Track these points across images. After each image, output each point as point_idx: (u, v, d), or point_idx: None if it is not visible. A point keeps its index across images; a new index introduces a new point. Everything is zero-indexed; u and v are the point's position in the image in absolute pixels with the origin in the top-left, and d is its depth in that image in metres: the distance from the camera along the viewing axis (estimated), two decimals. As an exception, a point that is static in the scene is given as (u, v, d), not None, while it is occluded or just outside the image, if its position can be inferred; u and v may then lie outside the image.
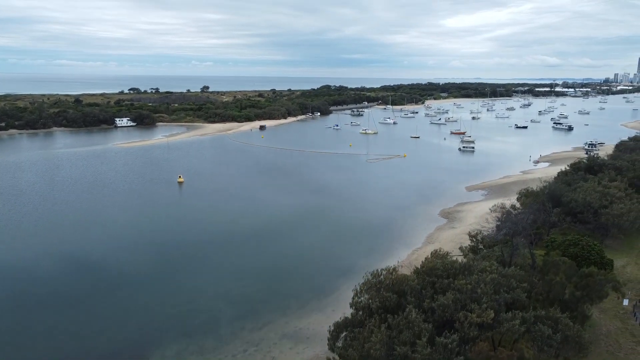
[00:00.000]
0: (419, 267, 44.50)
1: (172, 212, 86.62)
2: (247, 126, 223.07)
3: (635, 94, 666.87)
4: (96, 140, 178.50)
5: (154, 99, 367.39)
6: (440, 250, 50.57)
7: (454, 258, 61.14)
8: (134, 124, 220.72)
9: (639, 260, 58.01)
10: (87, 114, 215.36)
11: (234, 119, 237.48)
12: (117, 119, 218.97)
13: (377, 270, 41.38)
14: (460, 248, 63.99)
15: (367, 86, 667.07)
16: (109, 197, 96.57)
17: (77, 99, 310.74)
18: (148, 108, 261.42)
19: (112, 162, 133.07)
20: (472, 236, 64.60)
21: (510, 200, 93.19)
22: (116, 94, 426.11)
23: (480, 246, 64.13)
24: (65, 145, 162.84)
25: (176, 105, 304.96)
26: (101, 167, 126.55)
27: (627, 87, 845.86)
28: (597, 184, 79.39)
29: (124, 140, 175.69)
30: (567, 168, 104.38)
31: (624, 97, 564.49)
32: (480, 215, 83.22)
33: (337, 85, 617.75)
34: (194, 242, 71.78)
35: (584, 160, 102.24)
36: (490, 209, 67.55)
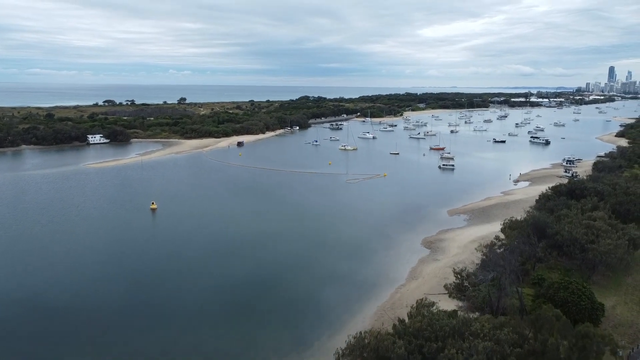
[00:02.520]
0: (405, 323, 41.72)
1: (143, 245, 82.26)
2: (224, 142, 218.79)
3: (607, 104, 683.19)
4: (67, 159, 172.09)
5: (129, 112, 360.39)
6: (425, 300, 47.86)
7: (439, 301, 58.65)
8: (107, 140, 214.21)
9: (627, 299, 56.37)
10: (58, 131, 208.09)
11: (211, 134, 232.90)
12: (89, 136, 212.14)
13: (361, 332, 38.47)
14: (445, 286, 61.68)
15: (346, 96, 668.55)
16: (76, 227, 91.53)
17: (49, 113, 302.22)
18: (122, 123, 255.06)
19: (82, 186, 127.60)
20: (456, 272, 62.26)
21: (493, 226, 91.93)
22: (90, 106, 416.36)
23: (466, 283, 61.84)
24: (34, 166, 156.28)
25: (152, 119, 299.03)
26: (69, 191, 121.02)
27: (599, 97, 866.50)
28: (581, 212, 78.34)
29: (96, 159, 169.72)
30: (548, 190, 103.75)
31: (596, 108, 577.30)
32: (463, 244, 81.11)
33: (316, 96, 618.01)
34: (164, 279, 67.81)
35: (565, 184, 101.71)
36: (476, 249, 65.35)
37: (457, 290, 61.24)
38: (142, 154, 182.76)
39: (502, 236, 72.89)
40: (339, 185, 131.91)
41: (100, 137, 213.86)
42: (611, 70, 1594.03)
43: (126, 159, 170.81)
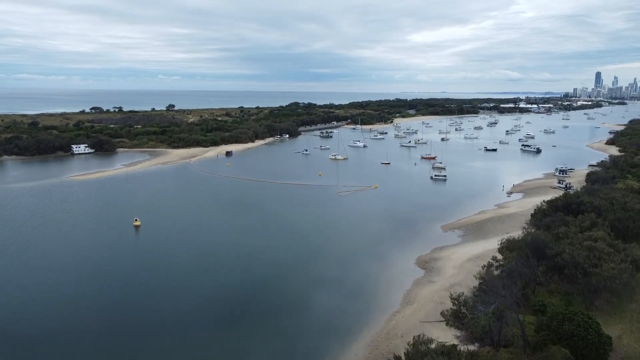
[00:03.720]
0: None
1: (124, 265, 78.28)
2: (212, 152, 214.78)
3: (595, 110, 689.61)
4: (50, 171, 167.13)
5: (116, 120, 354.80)
6: (422, 337, 44.77)
7: (436, 329, 55.59)
8: (92, 150, 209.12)
9: (633, 327, 53.66)
10: (41, 141, 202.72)
11: (199, 143, 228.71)
12: (74, 146, 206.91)
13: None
14: (442, 313, 58.49)
15: (336, 102, 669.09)
16: (54, 245, 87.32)
17: (34, 122, 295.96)
18: (109, 131, 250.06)
19: (64, 200, 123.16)
20: (453, 299, 59.14)
21: (489, 243, 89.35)
22: (77, 113, 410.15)
23: (464, 310, 58.85)
24: (15, 179, 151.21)
25: (139, 127, 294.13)
26: (50, 205, 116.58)
27: (587, 103, 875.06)
28: (579, 230, 75.95)
29: (80, 171, 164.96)
30: (543, 204, 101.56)
31: (585, 114, 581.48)
32: (459, 264, 78.26)
33: (306, 102, 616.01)
34: (145, 300, 64.21)
35: (561, 198, 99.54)
36: (475, 276, 62.38)
37: (454, 317, 58.13)
38: (128, 164, 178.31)
39: (499, 256, 70.20)
40: (329, 198, 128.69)
41: (85, 147, 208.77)
42: (598, 75, 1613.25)
43: (111, 171, 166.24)
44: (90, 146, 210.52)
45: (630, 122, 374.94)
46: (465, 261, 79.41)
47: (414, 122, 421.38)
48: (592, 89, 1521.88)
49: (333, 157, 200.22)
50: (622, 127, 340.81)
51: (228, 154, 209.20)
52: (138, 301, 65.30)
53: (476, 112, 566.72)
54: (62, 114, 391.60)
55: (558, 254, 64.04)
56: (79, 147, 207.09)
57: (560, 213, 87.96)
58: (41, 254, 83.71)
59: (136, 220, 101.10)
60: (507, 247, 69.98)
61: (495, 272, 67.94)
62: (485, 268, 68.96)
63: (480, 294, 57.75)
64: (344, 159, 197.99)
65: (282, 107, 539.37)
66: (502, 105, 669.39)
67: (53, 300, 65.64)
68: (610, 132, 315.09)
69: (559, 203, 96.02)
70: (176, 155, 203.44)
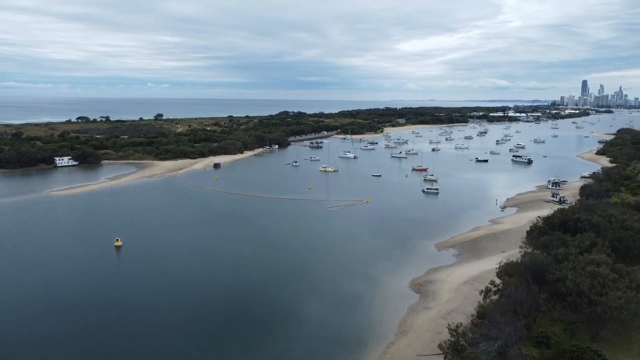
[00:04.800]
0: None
1: (101, 293, 73.80)
2: (200, 163, 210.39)
3: (583, 118, 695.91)
4: (31, 185, 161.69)
5: (103, 130, 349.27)
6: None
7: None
8: (76, 163, 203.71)
9: (642, 361, 50.63)
10: (23, 153, 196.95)
11: (186, 154, 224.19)
12: (57, 159, 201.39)
13: None
14: (440, 346, 54.94)
15: (326, 111, 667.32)
16: (28, 268, 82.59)
17: (17, 132, 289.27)
18: (94, 142, 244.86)
19: (43, 217, 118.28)
20: (451, 329, 55.79)
21: (485, 263, 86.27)
22: (63, 123, 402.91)
23: (462, 341, 55.42)
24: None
25: (125, 137, 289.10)
26: (27, 224, 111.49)
27: (574, 111, 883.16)
28: (579, 250, 73.11)
29: (62, 185, 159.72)
30: (539, 220, 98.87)
31: (573, 122, 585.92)
32: (455, 287, 74.95)
33: (296, 111, 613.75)
34: (125, 327, 59.95)
35: (557, 214, 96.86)
36: (475, 310, 58.86)
37: (453, 349, 54.67)
38: (112, 178, 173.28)
39: (497, 281, 66.98)
40: (319, 213, 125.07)
41: (69, 159, 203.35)
42: (584, 84, 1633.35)
43: (95, 185, 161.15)
44: (74, 158, 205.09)
45: (619, 131, 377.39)
46: (461, 284, 76.15)
47: (404, 131, 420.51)
48: (579, 97, 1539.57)
49: (323, 169, 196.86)
50: (611, 137, 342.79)
51: (216, 166, 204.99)
52: (113, 330, 60.99)
53: (466, 121, 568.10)
54: (47, 124, 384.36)
55: (560, 280, 61.04)
56: (62, 160, 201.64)
57: (558, 232, 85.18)
58: (9, 282, 78.90)
59: (117, 240, 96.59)
60: (506, 271, 66.71)
61: (494, 297, 64.98)
62: (483, 294, 65.93)
63: (480, 326, 54.46)
64: (334, 171, 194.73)
65: (271, 116, 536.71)
66: (491, 114, 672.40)
67: (20, 334, 61.07)
68: (599, 142, 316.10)
69: (556, 220, 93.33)
70: (163, 167, 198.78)
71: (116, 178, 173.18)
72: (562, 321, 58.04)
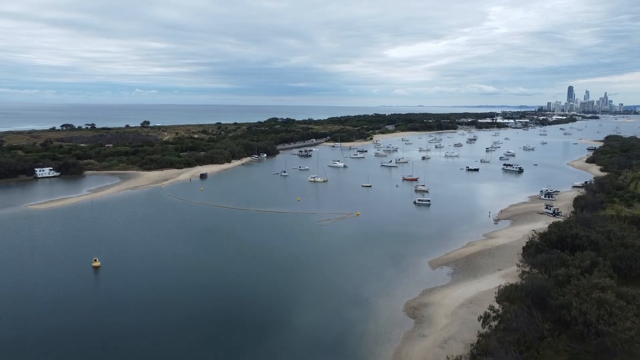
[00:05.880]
0: None
1: (77, 316, 68.97)
2: (186, 174, 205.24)
3: (570, 125, 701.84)
4: (9, 199, 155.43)
5: (87, 138, 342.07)
6: None
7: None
8: (57, 174, 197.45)
9: (655, 398, 47.26)
10: (1, 164, 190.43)
11: (172, 164, 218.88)
12: (37, 169, 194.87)
13: None
14: (439, 382, 51.54)
15: (315, 117, 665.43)
16: None
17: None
18: (77, 152, 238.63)
19: (17, 234, 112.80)
20: (451, 363, 52.28)
21: (481, 283, 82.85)
22: (47, 131, 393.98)
23: (462, 377, 51.92)
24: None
25: (110, 146, 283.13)
26: (2, 243, 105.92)
27: (561, 117, 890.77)
28: (580, 271, 69.89)
29: (42, 198, 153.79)
30: (535, 235, 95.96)
31: (561, 129, 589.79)
32: (451, 311, 71.26)
33: (285, 117, 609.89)
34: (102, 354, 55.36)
35: (554, 230, 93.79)
36: (473, 342, 54.94)
37: (452, 386, 51.20)
38: (94, 190, 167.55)
39: (496, 306, 63.37)
40: (309, 227, 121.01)
41: (50, 170, 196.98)
42: (570, 90, 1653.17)
43: (75, 198, 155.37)
44: (55, 169, 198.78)
45: (607, 138, 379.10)
46: (457, 307, 72.48)
47: (394, 138, 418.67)
48: (565, 103, 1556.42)
49: (312, 179, 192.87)
50: (599, 143, 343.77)
51: (203, 176, 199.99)
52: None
53: (455, 128, 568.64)
54: (30, 132, 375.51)
55: (564, 307, 57.61)
56: (43, 171, 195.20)
57: (556, 250, 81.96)
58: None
59: (95, 260, 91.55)
60: (506, 296, 63.08)
61: (494, 323, 61.43)
62: (482, 320, 62.37)
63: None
64: (323, 181, 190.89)
65: (260, 122, 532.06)
66: (479, 121, 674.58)
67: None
68: (588, 149, 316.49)
69: (553, 237, 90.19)
70: (147, 178, 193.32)
71: (98, 190, 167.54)
72: (567, 352, 54.54)
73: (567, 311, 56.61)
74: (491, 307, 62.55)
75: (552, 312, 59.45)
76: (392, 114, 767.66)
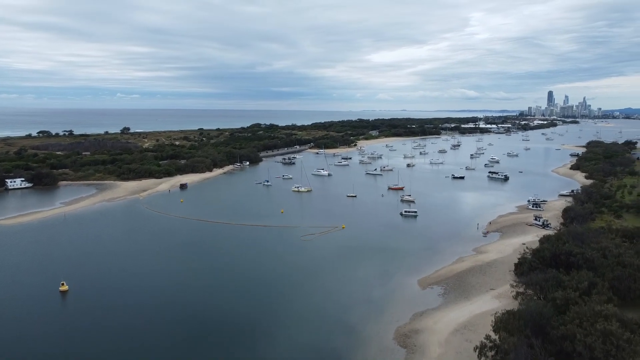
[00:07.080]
0: None
1: (39, 348, 63.02)
2: (166, 184, 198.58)
3: (552, 129, 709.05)
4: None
5: (64, 145, 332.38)
6: None
7: None
8: (30, 185, 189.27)
9: None
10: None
11: (151, 174, 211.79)
12: (8, 180, 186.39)
13: None
14: None
15: (298, 122, 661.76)
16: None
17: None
18: (52, 161, 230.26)
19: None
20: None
21: (474, 305, 78.81)
22: (22, 137, 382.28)
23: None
24: None
25: (88, 154, 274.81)
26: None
27: (543, 122, 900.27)
28: (578, 294, 66.38)
29: (11, 212, 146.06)
30: (527, 252, 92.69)
31: (542, 134, 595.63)
32: (444, 338, 66.96)
33: (268, 123, 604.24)
34: None
35: (547, 247, 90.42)
36: None
37: None
38: (68, 202, 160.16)
39: (493, 335, 59.24)
40: (292, 243, 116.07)
41: (22, 181, 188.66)
42: (550, 94, 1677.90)
43: (47, 211, 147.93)
44: (28, 180, 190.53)
45: (588, 143, 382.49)
46: (450, 334, 68.21)
47: (378, 144, 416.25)
48: (546, 107, 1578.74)
49: (296, 189, 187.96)
50: (581, 149, 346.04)
51: (182, 186, 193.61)
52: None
53: (438, 133, 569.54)
54: (5, 139, 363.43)
55: (566, 338, 53.75)
56: (15, 182, 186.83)
57: (551, 269, 78.38)
58: None
59: (63, 284, 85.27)
60: (504, 326, 58.99)
61: (491, 354, 57.27)
62: (478, 350, 58.18)
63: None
64: (307, 191, 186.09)
65: (243, 128, 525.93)
66: (463, 126, 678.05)
67: None
68: (571, 155, 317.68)
69: (546, 254, 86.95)
70: (125, 189, 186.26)
71: (72, 202, 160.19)
72: (571, 389, 50.69)
73: (570, 343, 52.86)
74: (487, 337, 58.40)
75: (553, 343, 55.59)
76: (375, 119, 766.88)
